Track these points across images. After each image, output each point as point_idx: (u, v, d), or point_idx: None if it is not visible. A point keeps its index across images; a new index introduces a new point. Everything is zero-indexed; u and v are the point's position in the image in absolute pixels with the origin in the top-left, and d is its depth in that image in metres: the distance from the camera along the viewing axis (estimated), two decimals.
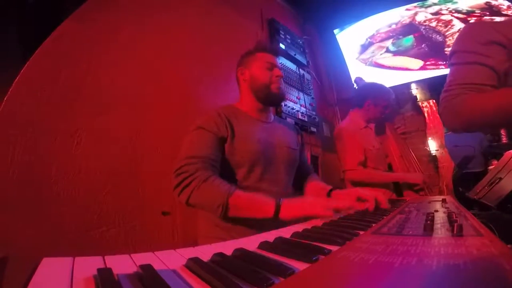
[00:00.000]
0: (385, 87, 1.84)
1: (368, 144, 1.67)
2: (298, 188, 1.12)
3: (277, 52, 1.06)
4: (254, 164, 0.91)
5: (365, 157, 1.62)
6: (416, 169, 1.77)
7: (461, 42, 0.83)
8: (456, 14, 2.36)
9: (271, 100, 1.00)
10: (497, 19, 2.18)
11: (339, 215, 0.72)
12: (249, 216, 0.76)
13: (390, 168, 1.82)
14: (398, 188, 1.72)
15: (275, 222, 0.72)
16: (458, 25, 2.33)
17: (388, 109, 1.72)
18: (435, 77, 2.43)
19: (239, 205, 0.75)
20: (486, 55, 0.75)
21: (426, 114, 2.50)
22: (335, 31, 2.87)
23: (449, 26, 2.37)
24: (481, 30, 0.80)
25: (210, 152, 0.84)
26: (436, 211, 0.59)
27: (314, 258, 0.32)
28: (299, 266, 0.30)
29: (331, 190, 0.99)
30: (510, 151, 1.66)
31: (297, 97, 2.12)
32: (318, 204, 0.68)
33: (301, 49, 2.39)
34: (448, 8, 2.39)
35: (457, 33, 2.11)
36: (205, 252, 0.37)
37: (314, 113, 2.28)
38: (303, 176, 1.12)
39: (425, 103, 2.54)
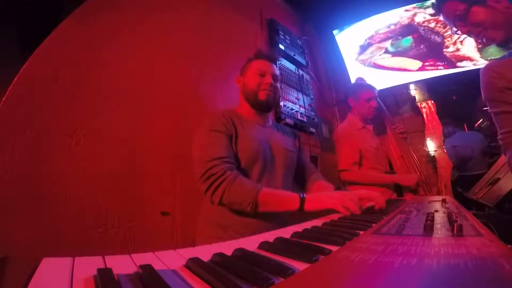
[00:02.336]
0: (364, 82, 1.91)
1: (365, 143, 1.67)
2: (301, 187, 1.13)
3: (272, 59, 1.07)
4: (252, 163, 0.93)
5: (360, 157, 1.64)
6: (417, 169, 1.77)
7: (483, 90, 0.91)
8: None
9: (259, 107, 1.03)
10: None
11: (339, 215, 0.73)
12: (276, 210, 0.82)
13: (391, 168, 1.83)
14: (398, 188, 1.72)
15: (295, 216, 0.78)
16: None
17: (373, 102, 1.74)
18: (433, 77, 2.43)
19: (267, 201, 0.81)
20: (506, 101, 0.83)
21: (424, 115, 2.50)
22: (334, 31, 2.87)
23: (448, 27, 2.38)
24: (493, 78, 0.87)
25: (228, 152, 0.88)
26: (436, 211, 0.60)
27: (314, 258, 0.32)
28: (299, 266, 0.30)
29: None
30: None
31: (296, 98, 2.12)
32: (337, 199, 0.76)
33: (301, 49, 2.39)
34: None
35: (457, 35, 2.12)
36: (205, 252, 0.37)
37: (313, 113, 2.28)
38: (306, 175, 1.15)
39: (424, 104, 2.54)
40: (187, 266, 0.31)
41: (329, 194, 0.82)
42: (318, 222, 0.62)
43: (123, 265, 0.30)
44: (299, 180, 1.13)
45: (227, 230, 0.87)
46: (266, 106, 1.03)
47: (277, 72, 1.06)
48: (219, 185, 0.81)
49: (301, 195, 0.80)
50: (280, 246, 0.40)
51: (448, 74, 2.35)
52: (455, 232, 0.37)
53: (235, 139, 0.93)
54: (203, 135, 0.91)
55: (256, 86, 1.00)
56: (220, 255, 0.35)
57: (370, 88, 1.80)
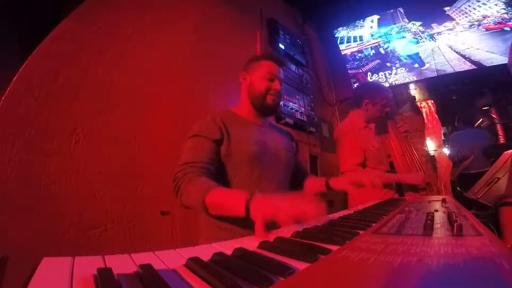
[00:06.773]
0: (382, 85, 1.83)
1: (368, 144, 1.66)
2: (297, 189, 1.12)
3: (282, 63, 1.05)
4: (252, 165, 0.91)
5: (364, 158, 1.62)
6: (418, 168, 1.76)
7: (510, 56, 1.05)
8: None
9: (264, 110, 1.01)
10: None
11: (339, 214, 0.72)
12: (227, 215, 0.70)
13: (392, 167, 1.82)
14: (399, 188, 1.71)
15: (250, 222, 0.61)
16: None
17: (387, 108, 1.70)
18: (433, 77, 2.44)
19: (214, 204, 0.72)
20: None
21: (424, 115, 2.50)
22: (335, 31, 2.87)
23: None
24: None
25: (202, 157, 0.85)
26: (436, 211, 0.60)
27: (314, 258, 0.32)
28: (299, 266, 0.30)
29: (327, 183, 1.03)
30: (508, 151, 1.67)
31: (296, 97, 2.12)
32: (284, 210, 0.55)
33: (301, 49, 2.39)
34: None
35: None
36: (205, 252, 0.37)
37: (313, 113, 2.29)
38: (301, 178, 1.14)
39: (424, 104, 2.54)
40: (187, 265, 0.31)
41: (280, 203, 0.56)
42: (318, 222, 0.62)
43: (123, 264, 0.30)
44: (294, 182, 1.10)
45: (230, 232, 0.84)
46: (271, 111, 1.03)
47: (283, 76, 1.06)
48: (179, 188, 0.79)
49: (249, 198, 0.62)
50: (280, 245, 0.40)
51: (448, 74, 2.35)
52: (455, 232, 0.37)
53: (227, 141, 0.90)
54: (187, 140, 0.91)
55: (265, 89, 0.97)
56: (220, 254, 0.35)
57: (390, 94, 1.72)
